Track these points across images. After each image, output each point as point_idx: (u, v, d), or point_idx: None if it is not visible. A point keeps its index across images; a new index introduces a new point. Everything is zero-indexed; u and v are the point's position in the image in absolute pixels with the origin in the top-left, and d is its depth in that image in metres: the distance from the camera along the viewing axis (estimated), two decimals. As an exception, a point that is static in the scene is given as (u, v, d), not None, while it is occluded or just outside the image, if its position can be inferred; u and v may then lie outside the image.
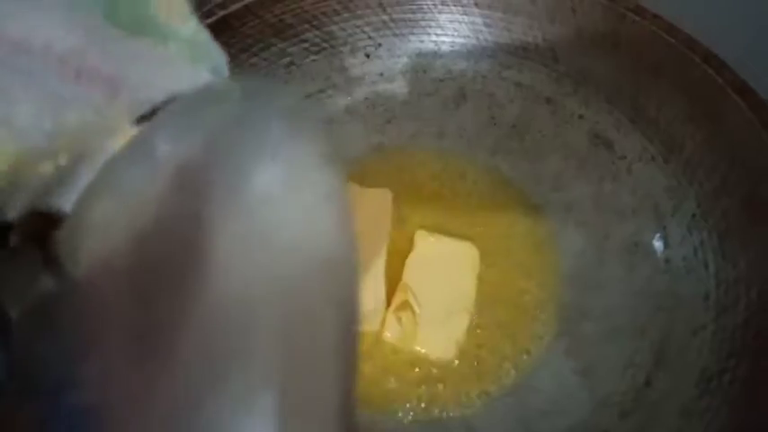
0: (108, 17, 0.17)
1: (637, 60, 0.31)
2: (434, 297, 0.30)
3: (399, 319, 0.30)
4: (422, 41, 0.35)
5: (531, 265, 0.32)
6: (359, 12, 0.34)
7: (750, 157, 0.27)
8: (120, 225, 0.15)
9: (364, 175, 0.34)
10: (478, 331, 0.30)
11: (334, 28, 0.34)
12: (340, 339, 0.15)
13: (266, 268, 0.14)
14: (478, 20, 0.34)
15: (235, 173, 0.15)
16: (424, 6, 0.34)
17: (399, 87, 0.35)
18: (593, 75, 0.32)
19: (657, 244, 0.30)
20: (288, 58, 0.34)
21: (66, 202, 0.16)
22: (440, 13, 0.34)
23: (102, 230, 0.15)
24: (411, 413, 0.28)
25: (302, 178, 0.15)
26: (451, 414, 0.28)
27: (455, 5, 0.34)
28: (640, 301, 0.29)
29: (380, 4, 0.34)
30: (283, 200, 0.15)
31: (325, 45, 0.34)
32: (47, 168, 0.16)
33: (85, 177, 0.16)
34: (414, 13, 0.34)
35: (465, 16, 0.34)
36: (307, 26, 0.33)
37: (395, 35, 0.35)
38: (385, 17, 0.34)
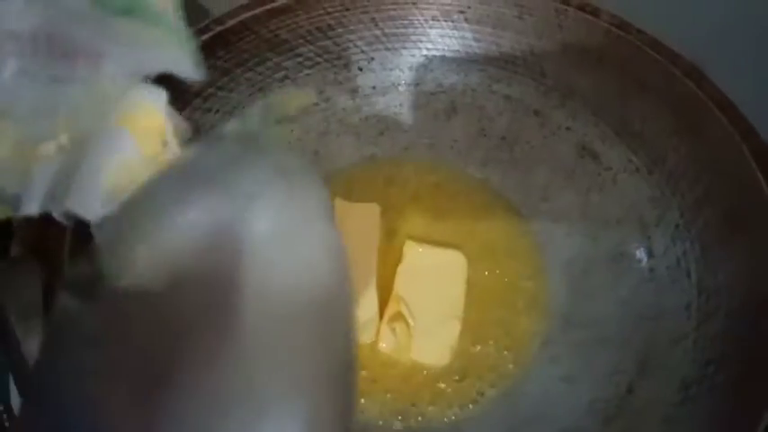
0: (98, 1, 0.18)
1: (622, 74, 0.31)
2: (426, 306, 0.31)
3: (393, 330, 0.30)
4: (413, 56, 0.36)
5: (519, 274, 0.32)
6: (352, 27, 0.35)
7: (731, 169, 0.27)
8: (155, 261, 0.16)
9: (357, 186, 0.35)
10: (466, 339, 0.30)
11: (327, 43, 0.35)
12: (340, 367, 0.16)
13: (275, 312, 0.16)
14: (468, 35, 0.34)
15: (252, 231, 0.16)
16: (416, 21, 0.35)
17: (392, 100, 0.36)
18: (580, 88, 0.33)
19: (642, 254, 0.30)
20: (282, 72, 0.34)
21: (73, 204, 0.17)
22: (431, 28, 0.35)
23: (138, 261, 0.16)
24: (401, 420, 0.29)
25: (301, 231, 0.17)
26: (441, 420, 0.29)
27: (446, 21, 0.34)
28: (625, 310, 0.29)
29: (373, 20, 0.35)
30: (278, 245, 0.16)
31: (318, 59, 0.35)
32: (49, 149, 0.17)
33: (88, 172, 0.17)
34: (405, 28, 0.35)
35: (455, 31, 0.35)
36: (301, 41, 0.34)
37: (387, 49, 0.35)
38: (377, 32, 0.35)
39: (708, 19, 0.35)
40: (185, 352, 0.15)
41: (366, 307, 0.30)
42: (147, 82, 0.19)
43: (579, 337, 0.30)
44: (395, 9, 0.34)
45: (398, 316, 0.31)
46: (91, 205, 0.17)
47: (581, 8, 0.31)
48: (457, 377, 0.30)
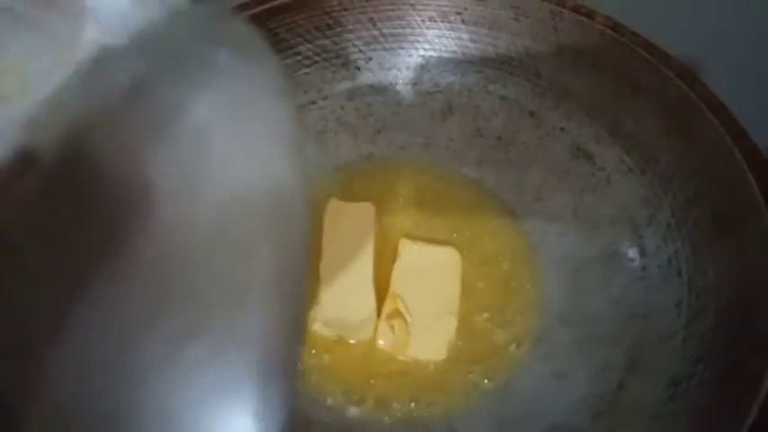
0: None
1: (616, 76, 0.32)
2: (423, 303, 0.31)
3: (392, 327, 0.31)
4: (410, 56, 0.36)
5: (513, 273, 0.33)
6: (350, 27, 0.35)
7: (722, 171, 0.28)
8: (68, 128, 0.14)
9: (354, 184, 0.35)
10: (460, 336, 0.31)
11: (326, 42, 0.35)
12: (282, 275, 0.14)
13: (201, 197, 0.14)
14: (465, 36, 0.35)
15: (172, 101, 0.14)
16: (413, 22, 0.35)
17: (389, 100, 0.37)
18: (575, 89, 0.33)
19: (634, 253, 0.31)
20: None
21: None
22: (428, 28, 0.35)
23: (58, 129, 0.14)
24: (395, 414, 0.29)
25: (245, 109, 0.15)
26: (434, 415, 0.29)
27: (443, 22, 0.35)
28: (617, 308, 0.30)
29: (371, 20, 0.35)
30: (222, 130, 0.15)
31: (317, 58, 0.35)
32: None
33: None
34: (403, 28, 0.35)
35: (452, 32, 0.35)
36: (300, 40, 0.35)
37: (385, 49, 0.36)
38: (375, 32, 0.35)
39: (701, 22, 0.36)
40: (101, 256, 0.13)
41: (364, 305, 0.30)
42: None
43: (572, 335, 0.30)
44: (393, 9, 0.35)
45: (396, 313, 0.31)
46: None
47: (576, 10, 0.32)
48: (450, 373, 0.30)
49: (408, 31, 0.35)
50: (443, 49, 0.35)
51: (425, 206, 0.35)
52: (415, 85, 0.36)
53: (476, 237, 0.34)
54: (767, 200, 0.26)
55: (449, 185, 0.35)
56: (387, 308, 0.31)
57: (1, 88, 0.14)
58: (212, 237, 0.14)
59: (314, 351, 0.31)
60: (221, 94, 0.15)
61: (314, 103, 0.36)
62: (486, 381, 0.30)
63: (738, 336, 0.25)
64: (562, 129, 0.34)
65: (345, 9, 0.34)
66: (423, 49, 0.36)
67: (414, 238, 0.33)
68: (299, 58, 0.35)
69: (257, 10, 0.33)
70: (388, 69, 0.36)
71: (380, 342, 0.31)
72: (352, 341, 0.31)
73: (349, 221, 0.32)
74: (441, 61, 0.36)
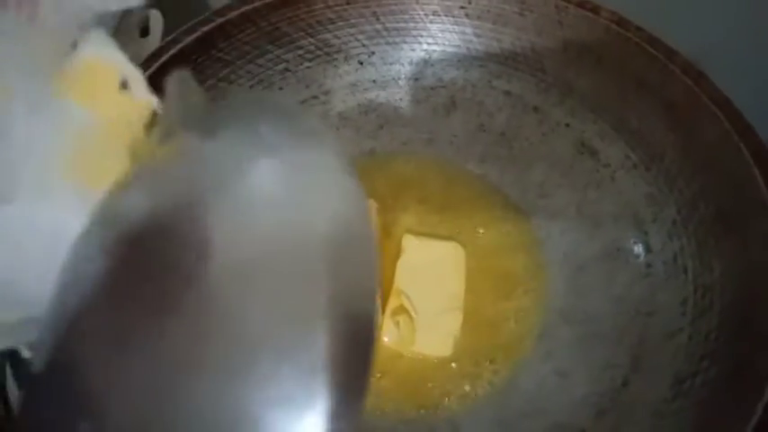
0: None
1: (621, 71, 0.31)
2: (428, 298, 0.31)
3: (397, 324, 0.31)
4: (414, 50, 0.36)
5: (516, 270, 0.32)
6: (353, 20, 0.35)
7: (728, 167, 0.28)
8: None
9: (356, 180, 0.35)
10: (463, 333, 0.31)
11: (328, 36, 0.35)
12: (358, 307, 0.15)
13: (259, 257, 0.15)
14: (469, 30, 0.34)
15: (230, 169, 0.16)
16: (417, 16, 0.35)
17: (392, 95, 0.36)
18: (579, 85, 0.33)
19: (639, 250, 0.30)
20: (283, 65, 0.35)
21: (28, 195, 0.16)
22: (431, 23, 0.35)
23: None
24: (397, 412, 0.29)
25: (309, 179, 0.16)
26: (437, 413, 0.29)
27: (446, 16, 0.35)
28: (621, 305, 0.30)
29: (374, 14, 0.35)
30: (284, 199, 0.16)
31: (319, 52, 0.35)
32: None
33: (36, 165, 0.15)
34: (406, 22, 0.35)
35: (456, 26, 0.35)
36: (302, 34, 0.34)
37: (388, 44, 0.36)
38: (378, 26, 0.35)
39: (707, 17, 0.35)
40: (154, 300, 0.14)
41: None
42: (89, 27, 0.17)
43: (575, 332, 0.30)
44: (396, 4, 0.34)
45: (401, 309, 0.31)
46: (55, 195, 0.16)
47: (581, 5, 0.31)
48: (453, 370, 0.30)
49: (412, 25, 0.35)
50: (447, 43, 0.35)
51: (428, 202, 0.35)
52: (418, 80, 0.36)
53: (479, 233, 0.33)
54: (774, 196, 0.26)
55: (452, 181, 0.35)
56: (391, 304, 0.31)
57: None
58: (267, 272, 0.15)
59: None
60: (280, 162, 0.16)
61: (315, 98, 0.36)
62: (489, 378, 0.29)
63: (744, 334, 0.25)
64: (567, 124, 0.33)
65: (348, 3, 0.34)
66: (426, 43, 0.35)
67: (417, 234, 0.33)
68: (300, 52, 0.35)
69: (259, 3, 0.33)
70: (391, 64, 0.36)
71: (385, 339, 0.31)
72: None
73: None
74: (444, 56, 0.35)
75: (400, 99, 0.36)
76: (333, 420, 0.13)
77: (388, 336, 0.31)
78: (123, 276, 0.15)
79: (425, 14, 0.35)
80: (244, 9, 0.32)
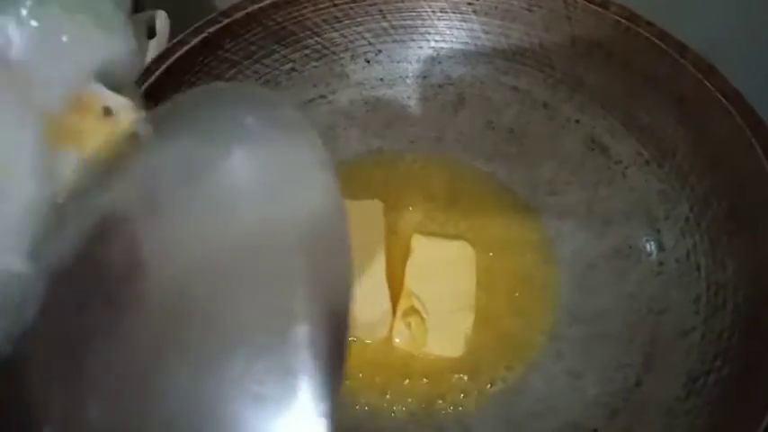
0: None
1: (630, 67, 0.31)
2: (438, 298, 0.31)
3: (408, 325, 0.31)
4: (421, 48, 0.35)
5: (526, 268, 0.32)
6: (359, 19, 0.34)
7: (740, 162, 0.27)
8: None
9: (363, 179, 0.35)
10: (474, 333, 0.30)
11: (334, 35, 0.35)
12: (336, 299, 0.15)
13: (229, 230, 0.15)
14: (477, 26, 0.34)
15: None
16: (424, 13, 0.35)
17: (399, 93, 0.36)
18: (589, 81, 0.32)
19: (651, 248, 0.30)
20: (290, 65, 0.35)
21: None
22: (439, 20, 0.35)
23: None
24: (407, 412, 0.29)
25: (284, 177, 0.16)
26: (447, 412, 0.29)
27: (454, 12, 0.34)
28: (632, 304, 0.29)
29: (381, 12, 0.34)
30: (255, 193, 0.16)
31: (326, 51, 0.35)
32: None
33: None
34: (413, 19, 0.35)
35: (463, 23, 0.34)
36: (308, 33, 0.34)
37: (395, 41, 0.35)
38: (385, 24, 0.35)
39: (718, 11, 0.35)
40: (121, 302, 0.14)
41: (378, 304, 0.30)
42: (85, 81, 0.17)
43: (586, 332, 0.30)
44: (403, 1, 0.34)
45: (412, 310, 0.31)
46: None
47: (590, 0, 0.31)
48: (464, 370, 0.30)
49: (419, 22, 0.35)
50: (455, 40, 0.35)
51: (437, 201, 0.35)
52: (425, 77, 0.36)
53: (488, 232, 0.33)
54: (788, 192, 0.25)
55: (460, 180, 0.35)
56: (402, 305, 0.31)
57: None
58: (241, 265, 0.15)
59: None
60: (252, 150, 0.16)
61: (323, 97, 0.36)
62: (498, 378, 0.29)
63: (757, 332, 0.25)
64: (576, 121, 0.33)
65: (354, 1, 0.34)
66: (434, 40, 0.35)
67: (426, 233, 0.33)
68: (307, 51, 0.35)
69: (265, 3, 0.32)
70: (398, 62, 0.36)
71: (397, 340, 0.31)
72: (368, 341, 0.31)
73: (357, 220, 0.31)
74: (452, 53, 0.35)
75: (408, 97, 0.36)
76: (309, 415, 0.13)
77: (400, 337, 0.30)
78: (82, 275, 0.15)
79: (433, 11, 0.34)
80: (250, 9, 0.32)
